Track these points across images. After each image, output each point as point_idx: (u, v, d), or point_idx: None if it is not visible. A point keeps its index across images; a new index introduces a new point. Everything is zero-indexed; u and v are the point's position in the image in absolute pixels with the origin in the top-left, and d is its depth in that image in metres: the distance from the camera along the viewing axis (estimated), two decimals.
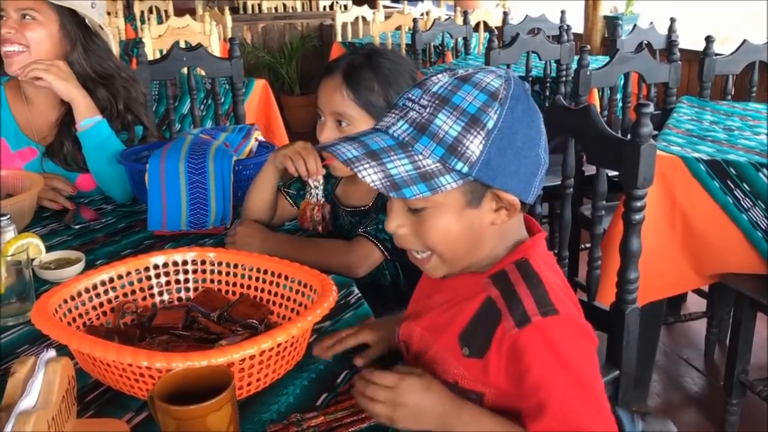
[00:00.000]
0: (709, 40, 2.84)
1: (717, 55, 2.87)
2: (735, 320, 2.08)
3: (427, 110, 0.87)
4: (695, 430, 2.25)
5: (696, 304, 2.82)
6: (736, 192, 1.91)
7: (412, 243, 0.95)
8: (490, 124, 0.86)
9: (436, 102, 0.87)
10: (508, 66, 3.14)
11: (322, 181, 1.49)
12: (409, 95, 0.90)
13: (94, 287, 1.13)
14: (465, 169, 0.86)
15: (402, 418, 0.89)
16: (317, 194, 1.51)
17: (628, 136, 1.45)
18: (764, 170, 1.88)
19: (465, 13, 4.59)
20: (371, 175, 0.85)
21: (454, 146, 0.86)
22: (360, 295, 1.30)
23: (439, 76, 0.90)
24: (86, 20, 1.77)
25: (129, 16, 5.93)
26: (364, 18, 5.48)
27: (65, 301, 1.07)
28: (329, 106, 1.36)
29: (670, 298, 2.32)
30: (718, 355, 2.60)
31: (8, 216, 1.40)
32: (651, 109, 1.42)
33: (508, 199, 0.90)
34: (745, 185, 1.90)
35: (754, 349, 2.09)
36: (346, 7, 6.09)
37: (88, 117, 1.72)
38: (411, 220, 0.93)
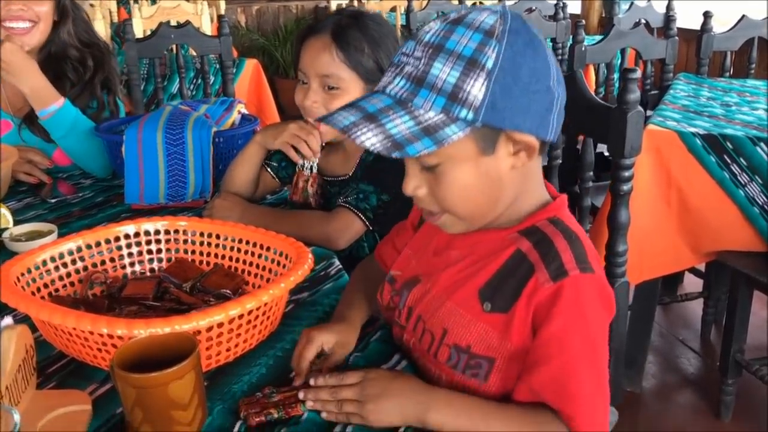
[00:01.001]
0: (707, 15, 2.78)
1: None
2: (731, 299, 2.03)
3: (422, 61, 0.82)
4: (691, 411, 2.22)
5: (693, 284, 2.78)
6: (732, 167, 1.86)
7: (430, 204, 0.91)
8: (489, 64, 0.80)
9: (430, 51, 0.82)
10: None
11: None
12: (403, 50, 0.85)
13: (61, 257, 1.09)
14: (470, 116, 0.80)
15: (372, 411, 0.85)
16: (312, 166, 1.46)
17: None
18: (762, 144, 1.83)
19: None
20: (370, 139, 0.80)
21: (455, 93, 0.80)
22: (341, 266, 1.26)
23: (431, 24, 0.84)
24: None
25: None
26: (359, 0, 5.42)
27: (29, 270, 1.03)
28: (315, 67, 1.30)
29: (666, 278, 2.28)
30: (715, 336, 2.56)
31: None
32: (638, 74, 1.37)
33: (524, 139, 0.85)
34: (742, 160, 1.85)
35: (751, 329, 2.05)
36: None
37: (43, 107, 1.66)
38: (427, 179, 0.88)
